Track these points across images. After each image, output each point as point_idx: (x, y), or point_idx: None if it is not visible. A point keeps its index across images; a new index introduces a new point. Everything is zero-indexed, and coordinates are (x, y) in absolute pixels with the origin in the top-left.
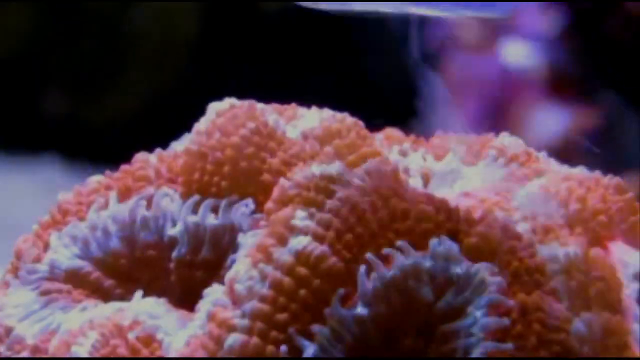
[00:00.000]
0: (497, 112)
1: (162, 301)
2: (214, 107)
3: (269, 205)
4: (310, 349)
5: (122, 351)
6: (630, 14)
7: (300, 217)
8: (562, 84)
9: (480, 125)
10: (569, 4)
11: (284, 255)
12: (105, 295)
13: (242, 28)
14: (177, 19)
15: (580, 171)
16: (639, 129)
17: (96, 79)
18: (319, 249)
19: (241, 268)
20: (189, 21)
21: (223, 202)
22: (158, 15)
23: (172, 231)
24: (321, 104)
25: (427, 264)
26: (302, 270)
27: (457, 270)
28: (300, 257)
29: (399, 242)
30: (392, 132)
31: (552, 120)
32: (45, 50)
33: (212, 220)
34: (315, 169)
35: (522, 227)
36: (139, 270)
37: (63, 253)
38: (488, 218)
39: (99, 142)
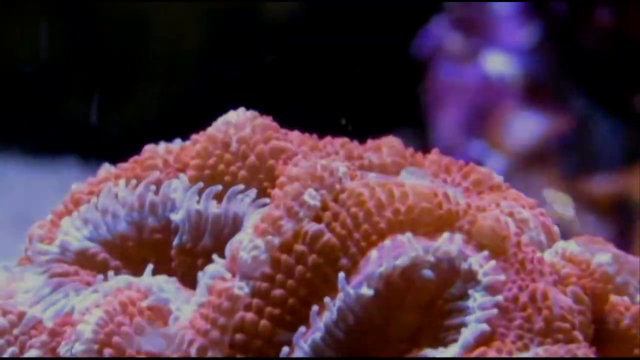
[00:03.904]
0: (478, 117)
1: (172, 279)
2: (242, 110)
3: (280, 181)
4: (317, 333)
5: (126, 329)
6: (601, 26)
7: (309, 194)
8: (538, 92)
9: (463, 130)
10: (545, 17)
11: (289, 229)
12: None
13: (248, 38)
14: (187, 33)
15: (573, 249)
16: (610, 133)
17: (112, 89)
18: (316, 226)
19: (245, 237)
20: (198, 34)
21: (228, 191)
22: (169, 29)
23: (174, 217)
24: (326, 112)
25: (431, 256)
26: (299, 247)
27: (464, 265)
28: (299, 232)
29: (407, 234)
30: (392, 141)
31: (529, 125)
32: (66, 62)
33: (214, 208)
34: (321, 160)
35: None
36: (145, 253)
37: (74, 235)
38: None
39: (113, 146)
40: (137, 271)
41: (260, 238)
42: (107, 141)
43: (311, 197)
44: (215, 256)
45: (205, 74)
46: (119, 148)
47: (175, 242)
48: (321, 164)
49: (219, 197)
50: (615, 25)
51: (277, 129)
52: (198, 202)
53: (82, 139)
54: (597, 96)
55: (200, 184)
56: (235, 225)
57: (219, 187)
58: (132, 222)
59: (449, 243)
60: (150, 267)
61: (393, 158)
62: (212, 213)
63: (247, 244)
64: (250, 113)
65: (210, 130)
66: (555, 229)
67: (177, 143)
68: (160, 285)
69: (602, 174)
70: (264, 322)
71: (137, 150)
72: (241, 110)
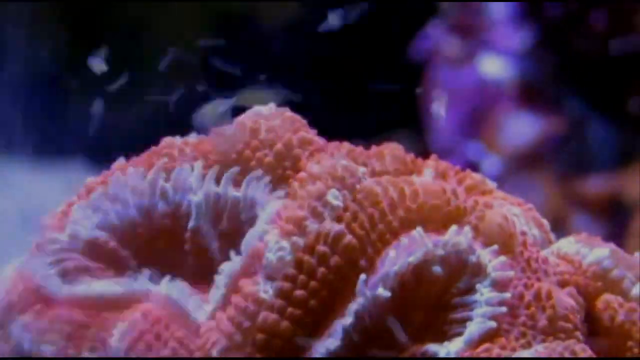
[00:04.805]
0: (474, 119)
1: (187, 285)
2: (273, 105)
3: (300, 175)
4: (336, 337)
5: (149, 337)
6: (595, 30)
7: (332, 194)
8: (533, 94)
9: (459, 131)
10: (540, 20)
11: (314, 230)
12: (121, 266)
13: (248, 43)
14: (190, 37)
15: (568, 248)
16: (603, 135)
17: (119, 91)
18: (338, 227)
19: (271, 239)
20: (201, 38)
21: (246, 178)
22: (173, 33)
23: (194, 198)
24: (323, 116)
25: (441, 250)
26: (322, 248)
27: (472, 258)
28: (321, 233)
29: (418, 229)
30: (394, 149)
31: (524, 127)
32: (72, 65)
33: (233, 191)
34: (342, 160)
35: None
36: (155, 239)
37: (83, 224)
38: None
39: (122, 147)
40: (147, 260)
41: (285, 239)
42: (115, 142)
43: (334, 198)
44: (232, 253)
45: (208, 78)
46: (127, 149)
47: (191, 224)
48: (342, 165)
49: (238, 181)
50: (609, 28)
51: (306, 125)
52: (217, 185)
53: (90, 139)
54: (591, 98)
55: (216, 168)
56: (253, 210)
57: (237, 169)
58: (142, 209)
59: (457, 235)
60: (167, 278)
61: (395, 166)
62: (231, 196)
63: (272, 245)
64: (282, 108)
65: (240, 118)
66: (545, 222)
67: (194, 137)
68: (177, 291)
69: (596, 174)
70: (285, 323)
71: (144, 151)
72: (272, 105)
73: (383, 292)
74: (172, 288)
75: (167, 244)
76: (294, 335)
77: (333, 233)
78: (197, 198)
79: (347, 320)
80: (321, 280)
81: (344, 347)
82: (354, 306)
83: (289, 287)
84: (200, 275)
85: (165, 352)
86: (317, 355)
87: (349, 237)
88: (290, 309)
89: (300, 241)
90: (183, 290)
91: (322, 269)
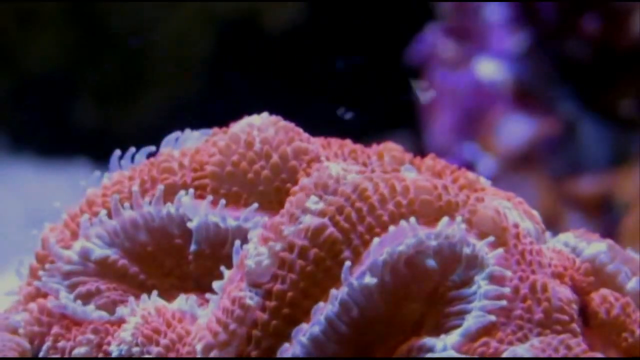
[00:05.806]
0: (470, 121)
1: (199, 302)
2: (266, 114)
3: (293, 189)
4: (317, 327)
5: (156, 325)
6: (588, 33)
7: (311, 200)
8: (528, 96)
9: (456, 132)
10: (534, 24)
11: (290, 232)
12: (130, 281)
13: (249, 47)
14: (194, 40)
15: (566, 241)
16: (596, 136)
17: (123, 93)
18: (318, 220)
19: (250, 246)
20: (204, 42)
21: (243, 213)
22: (177, 36)
23: (190, 225)
24: (321, 116)
25: (434, 242)
26: (300, 242)
27: (466, 250)
28: (302, 230)
29: (410, 219)
30: (393, 147)
31: (519, 128)
32: (78, 67)
33: (232, 221)
34: (333, 167)
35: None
36: (163, 256)
37: (94, 242)
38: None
39: (124, 149)
40: (155, 276)
41: (263, 245)
42: (118, 144)
43: (314, 203)
44: (223, 268)
45: (211, 80)
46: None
47: (192, 248)
48: (328, 174)
49: (237, 197)
50: (601, 32)
51: (299, 132)
52: (213, 214)
53: (94, 142)
54: (584, 100)
55: (210, 197)
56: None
57: (235, 189)
58: (151, 230)
59: (449, 226)
60: (182, 296)
61: (394, 165)
62: (231, 226)
63: (252, 252)
64: (274, 117)
65: (233, 130)
66: (535, 212)
67: (192, 140)
68: (188, 305)
69: (588, 175)
70: (261, 315)
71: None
72: (265, 114)
73: (370, 280)
74: (183, 301)
75: (175, 261)
76: (270, 325)
77: (313, 227)
78: (194, 224)
79: (330, 308)
80: (299, 273)
81: (325, 335)
82: (339, 295)
83: (269, 286)
84: (204, 290)
85: (163, 343)
86: (295, 342)
87: (330, 230)
88: (266, 302)
89: (276, 246)
90: (193, 301)
91: (300, 262)
